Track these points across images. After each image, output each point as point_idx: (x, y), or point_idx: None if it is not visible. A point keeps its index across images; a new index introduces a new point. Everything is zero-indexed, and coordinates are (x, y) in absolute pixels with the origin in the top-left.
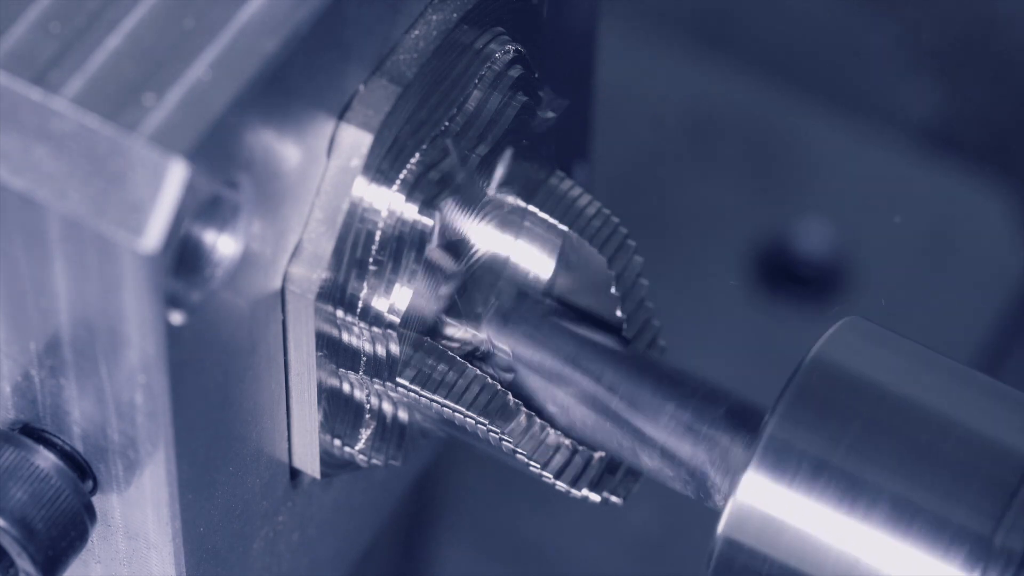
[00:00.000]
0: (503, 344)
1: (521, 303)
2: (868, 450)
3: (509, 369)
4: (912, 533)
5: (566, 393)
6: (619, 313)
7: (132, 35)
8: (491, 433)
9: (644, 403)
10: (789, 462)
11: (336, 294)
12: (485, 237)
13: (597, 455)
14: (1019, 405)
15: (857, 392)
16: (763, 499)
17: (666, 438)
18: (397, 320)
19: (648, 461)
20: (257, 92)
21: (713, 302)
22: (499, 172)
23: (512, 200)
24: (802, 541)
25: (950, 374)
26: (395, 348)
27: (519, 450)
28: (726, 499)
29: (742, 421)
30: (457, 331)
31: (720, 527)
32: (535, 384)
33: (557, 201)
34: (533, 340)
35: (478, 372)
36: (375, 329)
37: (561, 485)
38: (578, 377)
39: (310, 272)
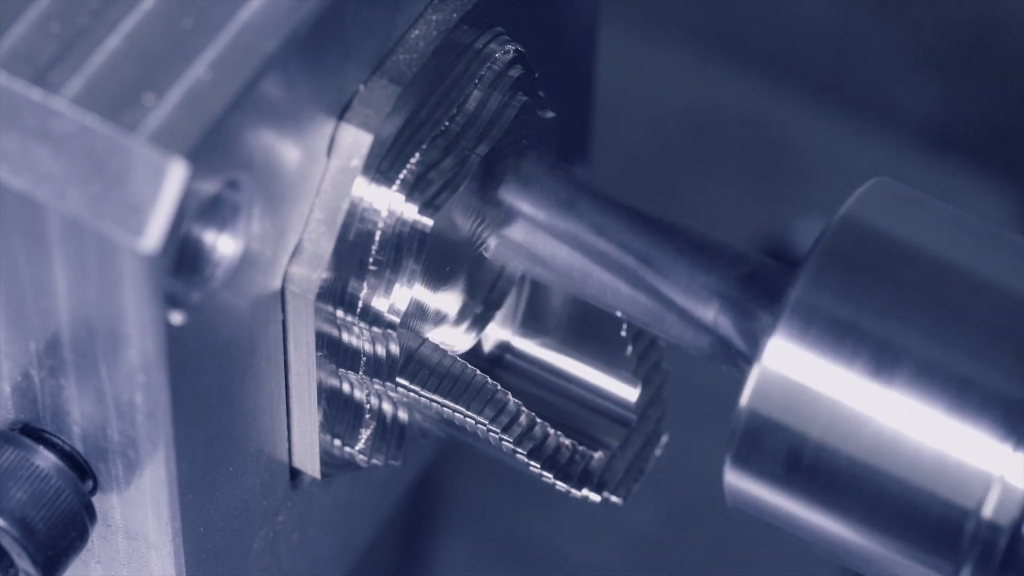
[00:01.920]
0: (524, 206)
1: (541, 166)
2: (899, 313)
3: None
4: (944, 398)
5: (587, 257)
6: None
7: (132, 35)
8: (491, 433)
9: (666, 266)
10: (816, 327)
11: (336, 294)
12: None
13: (597, 455)
14: None
15: (887, 252)
16: (790, 365)
17: (689, 302)
18: (397, 320)
19: (671, 327)
20: (257, 92)
21: None
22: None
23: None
24: (831, 409)
25: (983, 234)
26: (395, 348)
27: (519, 450)
28: (751, 366)
29: (768, 284)
30: (457, 329)
31: (745, 397)
32: (555, 249)
33: None
34: (554, 203)
35: (478, 372)
36: (375, 329)
37: (561, 485)
38: (600, 241)
39: (310, 272)
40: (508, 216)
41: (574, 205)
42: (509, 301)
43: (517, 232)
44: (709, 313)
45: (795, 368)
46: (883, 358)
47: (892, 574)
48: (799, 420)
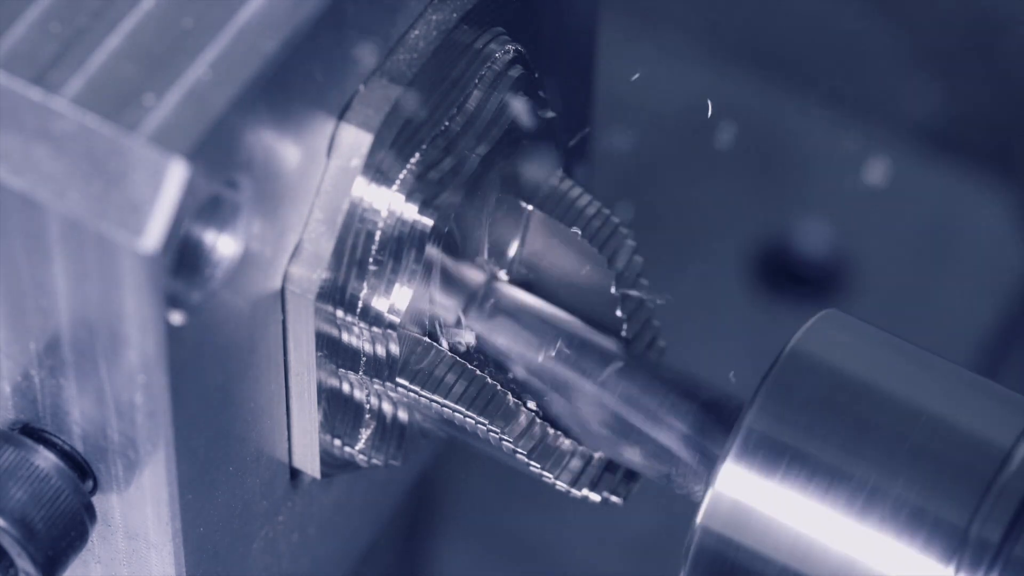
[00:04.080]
0: (482, 331)
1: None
2: (845, 441)
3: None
4: (888, 523)
5: (545, 385)
6: (619, 313)
7: (132, 35)
8: (491, 433)
9: (622, 393)
10: (767, 453)
11: (336, 294)
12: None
13: (597, 455)
14: (995, 396)
15: (834, 384)
16: (741, 489)
17: (645, 429)
18: (397, 320)
19: (624, 453)
20: (257, 92)
21: (713, 302)
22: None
23: (512, 200)
24: (779, 531)
25: (927, 366)
26: (395, 348)
27: (519, 450)
28: (705, 489)
29: (720, 414)
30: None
31: (699, 517)
32: (521, 371)
33: (557, 201)
34: (512, 329)
35: (478, 372)
36: (375, 329)
37: (561, 485)
38: (557, 369)
39: (310, 272)
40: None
41: (535, 338)
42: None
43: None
44: (661, 440)
45: (745, 491)
46: (830, 483)
47: None
48: (750, 540)
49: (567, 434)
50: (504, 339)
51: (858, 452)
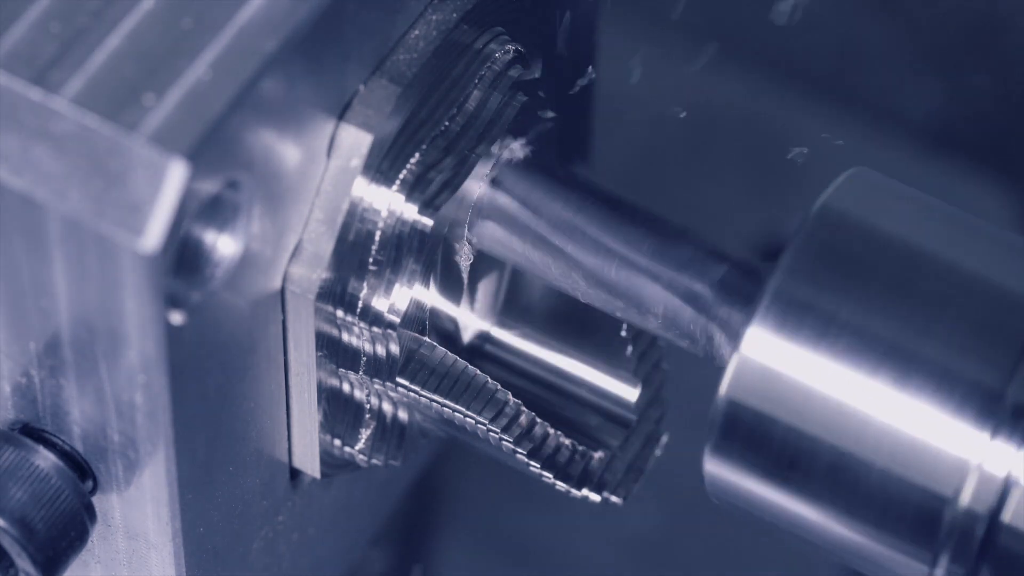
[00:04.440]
0: (504, 200)
1: (518, 166)
2: (877, 302)
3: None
4: (922, 388)
5: (564, 260)
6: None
7: (132, 35)
8: (491, 433)
9: (648, 260)
10: (794, 316)
11: (336, 294)
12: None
13: (597, 455)
14: None
15: (865, 243)
16: (768, 354)
17: (667, 300)
18: (397, 320)
19: (653, 323)
20: (257, 92)
21: None
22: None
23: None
24: (810, 398)
25: (961, 224)
26: (395, 348)
27: (519, 450)
28: (731, 354)
29: (745, 278)
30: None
31: (724, 385)
32: (532, 251)
33: None
34: (531, 202)
35: (478, 372)
36: (375, 329)
37: (561, 485)
38: (576, 242)
39: (310, 272)
40: (488, 208)
41: (550, 201)
42: (489, 289)
43: (496, 227)
44: (687, 310)
45: (774, 357)
46: (861, 347)
47: (871, 562)
48: (778, 409)
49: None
50: (522, 212)
51: (890, 313)
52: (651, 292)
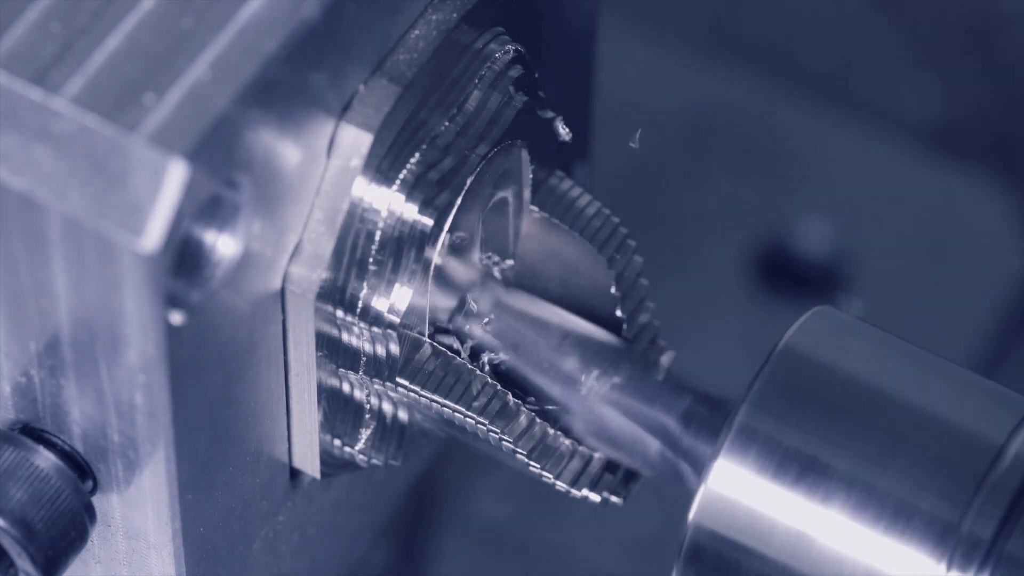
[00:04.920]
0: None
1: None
2: (837, 438)
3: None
4: (881, 520)
5: (535, 374)
6: (619, 313)
7: (132, 35)
8: (491, 433)
9: (616, 387)
10: (759, 449)
11: (336, 294)
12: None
13: (597, 455)
14: (987, 392)
15: (826, 381)
16: (734, 486)
17: (638, 423)
18: (397, 320)
19: (619, 450)
20: (257, 92)
21: (713, 302)
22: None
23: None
24: (771, 527)
25: (919, 362)
26: (395, 348)
27: (519, 450)
28: (698, 486)
29: (712, 411)
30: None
31: (691, 513)
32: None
33: (557, 201)
34: (505, 326)
35: (478, 372)
36: (375, 329)
37: (561, 485)
38: (551, 360)
39: (310, 272)
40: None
41: (523, 338)
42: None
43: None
44: (659, 436)
45: (738, 489)
46: (822, 480)
47: None
48: (742, 537)
49: (559, 428)
50: (496, 335)
51: (850, 448)
52: (617, 423)
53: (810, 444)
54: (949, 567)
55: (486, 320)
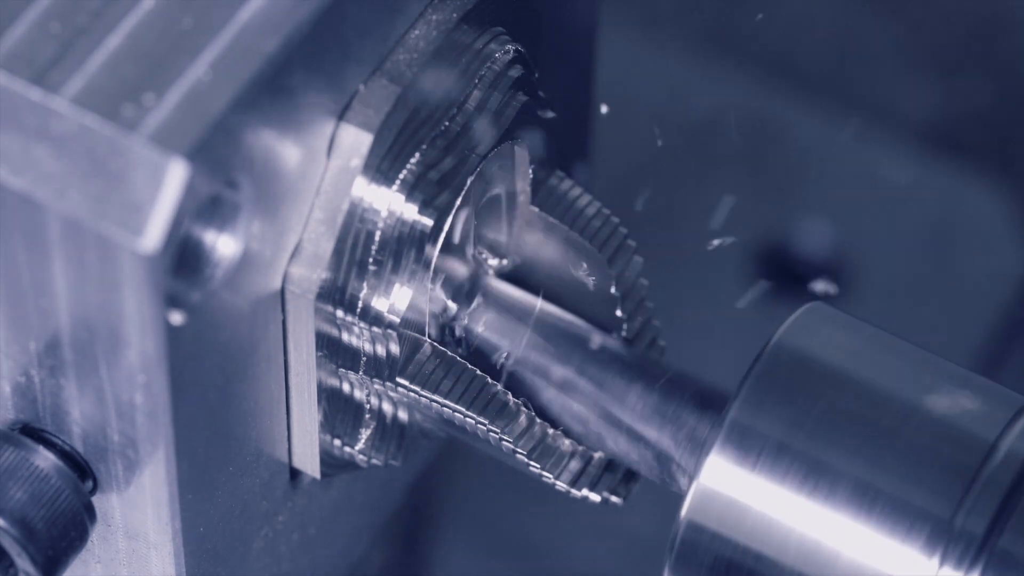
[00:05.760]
0: (476, 327)
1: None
2: (829, 434)
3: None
4: (873, 516)
5: (532, 375)
6: (619, 313)
7: (132, 35)
8: (491, 433)
9: (610, 385)
10: (752, 446)
11: (336, 294)
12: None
13: (597, 455)
14: (980, 389)
15: (819, 376)
16: (726, 482)
17: (632, 421)
18: (397, 320)
19: (613, 444)
20: (257, 92)
21: (713, 302)
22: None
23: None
24: (764, 524)
25: (912, 359)
26: (395, 348)
27: (519, 450)
28: (690, 482)
29: (706, 406)
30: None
31: (683, 510)
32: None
33: (557, 201)
34: (500, 324)
35: (478, 372)
36: (375, 329)
37: (561, 485)
38: (546, 360)
39: (310, 272)
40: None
41: (516, 324)
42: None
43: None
44: (651, 431)
45: (730, 484)
46: (814, 476)
47: None
48: (734, 532)
49: (557, 427)
50: (490, 332)
51: (842, 445)
52: (618, 409)
53: (803, 440)
54: (942, 563)
55: (483, 321)
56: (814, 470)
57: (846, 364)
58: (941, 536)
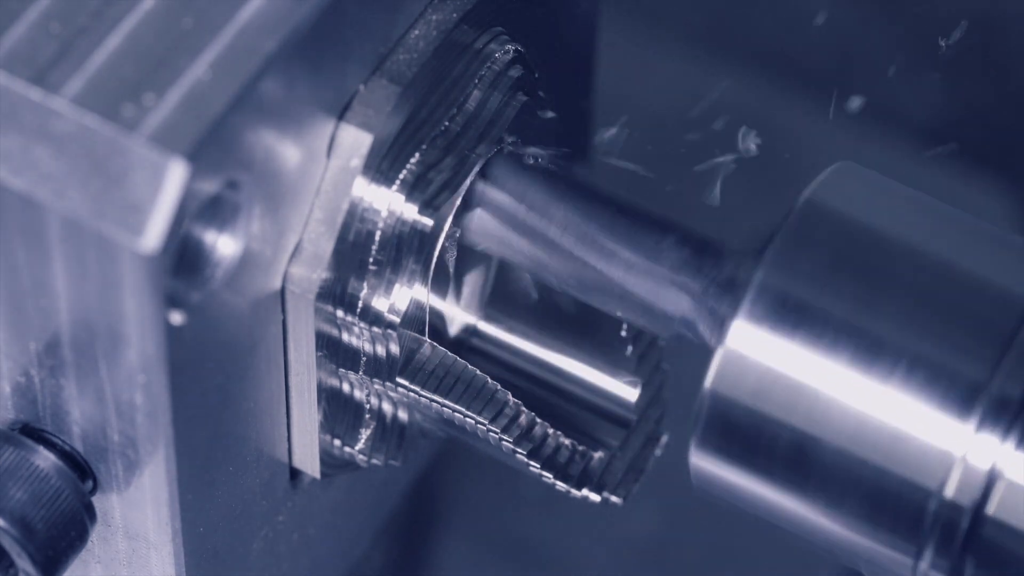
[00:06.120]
0: (496, 196)
1: (512, 161)
2: (861, 295)
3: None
4: (906, 380)
5: (546, 248)
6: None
7: (132, 35)
8: (491, 433)
9: (634, 250)
10: (779, 309)
11: (336, 294)
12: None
13: (597, 455)
14: (1017, 249)
15: (850, 236)
16: (753, 348)
17: (657, 286)
18: (397, 320)
19: (637, 309)
20: (257, 92)
21: None
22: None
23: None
24: (793, 391)
25: (944, 217)
26: (395, 348)
27: (519, 450)
28: (715, 348)
29: (731, 268)
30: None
31: (709, 378)
32: (517, 241)
33: None
34: (515, 193)
35: (478, 372)
36: (375, 329)
37: (561, 485)
38: (557, 231)
39: (310, 272)
40: (479, 202)
41: (543, 200)
42: (476, 284)
43: (488, 221)
44: (671, 295)
45: (759, 350)
46: (845, 340)
47: (857, 554)
48: (762, 402)
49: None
50: (513, 203)
51: (874, 306)
52: (637, 284)
53: (832, 302)
54: (978, 427)
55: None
56: (845, 332)
57: (877, 223)
58: (977, 400)
